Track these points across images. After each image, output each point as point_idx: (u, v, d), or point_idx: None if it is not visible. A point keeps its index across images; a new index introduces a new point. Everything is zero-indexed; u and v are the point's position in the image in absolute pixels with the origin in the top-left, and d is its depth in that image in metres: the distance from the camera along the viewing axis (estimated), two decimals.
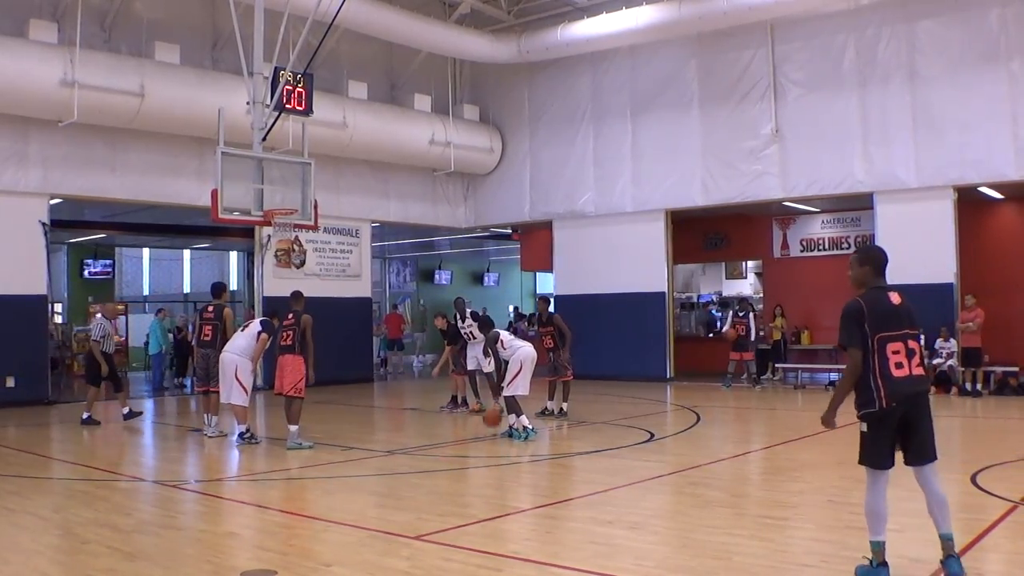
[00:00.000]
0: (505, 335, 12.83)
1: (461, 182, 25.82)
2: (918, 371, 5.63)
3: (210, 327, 13.24)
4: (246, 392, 12.34)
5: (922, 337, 5.87)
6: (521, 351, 12.57)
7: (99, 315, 15.31)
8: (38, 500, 8.84)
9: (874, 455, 5.63)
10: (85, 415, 14.75)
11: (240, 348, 12.35)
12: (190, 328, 14.39)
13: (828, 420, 5.87)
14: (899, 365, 5.57)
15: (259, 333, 12.30)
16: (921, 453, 5.60)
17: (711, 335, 25.42)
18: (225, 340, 13.05)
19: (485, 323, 13.39)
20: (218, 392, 13.04)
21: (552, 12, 22.77)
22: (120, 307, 15.22)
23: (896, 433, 5.61)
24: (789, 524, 7.46)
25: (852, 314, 5.66)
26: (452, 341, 16.27)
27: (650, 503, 8.53)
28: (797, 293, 22.99)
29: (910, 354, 5.61)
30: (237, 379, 12.25)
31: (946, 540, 5.48)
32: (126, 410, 15.19)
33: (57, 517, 8.04)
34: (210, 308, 13.48)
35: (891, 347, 5.57)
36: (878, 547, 5.51)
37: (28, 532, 7.43)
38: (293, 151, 15.91)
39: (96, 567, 6.24)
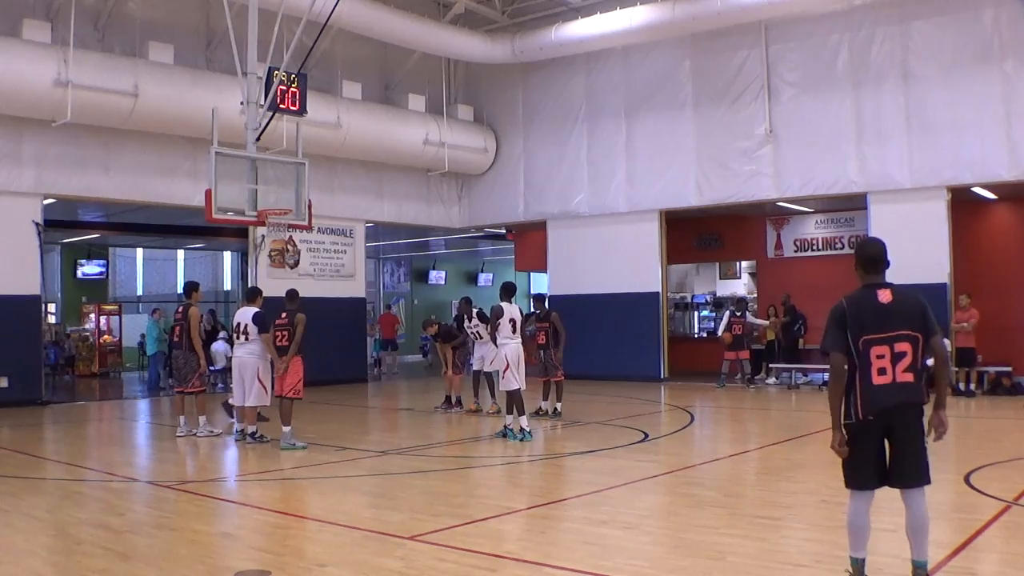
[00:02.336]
0: (506, 321, 12.50)
1: (455, 182, 25.81)
2: (904, 377, 5.11)
3: (179, 328, 13.23)
4: (267, 392, 12.34)
5: (919, 339, 5.17)
6: (507, 347, 12.54)
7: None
8: (32, 501, 8.81)
9: (853, 474, 5.26)
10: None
11: (257, 350, 12.31)
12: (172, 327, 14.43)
13: (835, 443, 5.26)
14: (882, 371, 5.10)
15: (260, 335, 12.26)
16: (904, 474, 5.17)
17: (707, 335, 25.45)
18: (191, 341, 13.03)
19: (506, 290, 13.09)
20: (193, 393, 13.04)
21: (546, 12, 22.78)
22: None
23: (880, 449, 5.19)
24: (783, 524, 7.47)
25: (832, 316, 5.27)
26: (446, 340, 16.29)
27: (644, 503, 8.54)
28: (791, 293, 22.99)
29: (896, 358, 5.10)
30: (259, 380, 12.23)
31: (918, 568, 5.18)
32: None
33: (51, 518, 8.03)
34: (180, 309, 13.47)
35: (875, 351, 5.11)
36: (857, 564, 5.29)
37: (22, 533, 7.42)
38: (287, 151, 15.92)
39: (90, 567, 6.23)
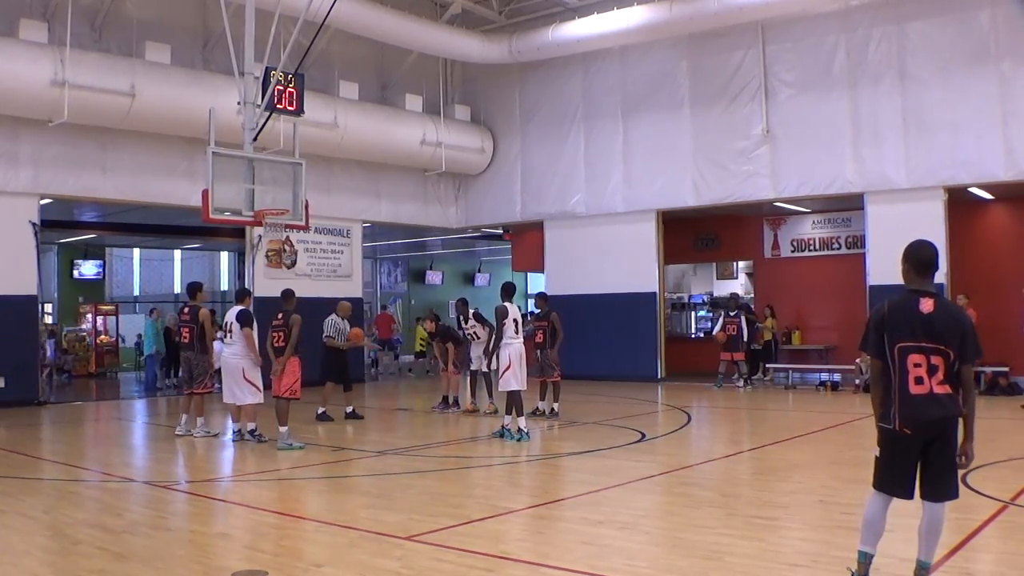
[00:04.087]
0: (511, 321, 12.51)
1: (452, 182, 25.81)
2: (941, 389, 5.08)
3: (188, 329, 13.17)
4: (259, 390, 12.33)
5: (951, 356, 5.11)
6: (511, 347, 12.54)
7: (333, 315, 15.23)
8: (28, 501, 8.80)
9: (883, 479, 5.27)
10: (320, 410, 14.80)
11: (240, 350, 12.29)
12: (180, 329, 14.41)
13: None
14: (919, 380, 5.08)
15: (241, 330, 12.25)
16: (939, 489, 5.18)
17: (704, 335, 25.44)
18: (204, 341, 13.02)
19: (506, 290, 13.08)
20: (201, 394, 13.02)
21: (543, 12, 22.79)
22: (349, 306, 15.29)
23: (916, 463, 5.19)
24: (779, 524, 7.48)
25: (872, 317, 5.31)
26: (443, 339, 16.30)
27: (641, 503, 8.54)
28: (788, 293, 23.04)
29: (932, 370, 5.07)
30: (247, 380, 12.22)
31: (922, 568, 5.25)
32: (349, 408, 15.10)
33: (47, 518, 8.02)
34: (186, 310, 13.43)
35: (912, 359, 5.10)
36: (864, 559, 5.29)
37: (18, 533, 7.40)
38: (284, 151, 15.87)
39: (87, 568, 6.23)
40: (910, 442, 5.14)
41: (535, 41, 22.15)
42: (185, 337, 13.21)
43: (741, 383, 19.97)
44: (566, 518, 7.91)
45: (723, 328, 20.10)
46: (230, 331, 12.37)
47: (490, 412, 15.21)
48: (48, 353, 25.55)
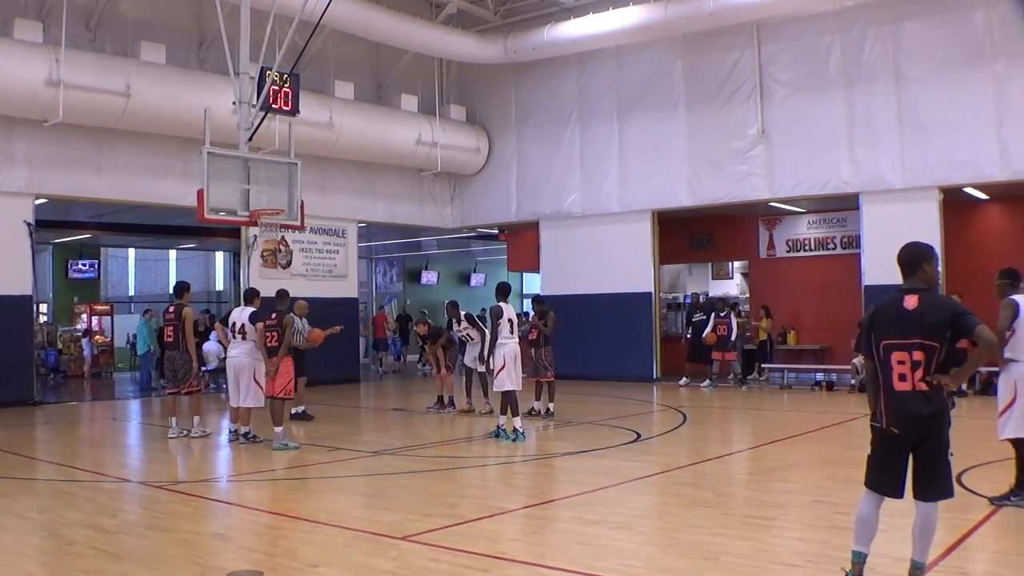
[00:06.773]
0: (506, 321, 12.51)
1: (448, 182, 25.81)
2: (921, 386, 5.11)
3: (172, 328, 13.11)
4: (262, 394, 12.31)
5: (936, 349, 5.13)
6: (506, 347, 12.54)
7: (291, 315, 15.20)
8: (23, 501, 8.79)
9: (873, 476, 5.33)
10: (299, 409, 14.73)
11: (250, 350, 12.26)
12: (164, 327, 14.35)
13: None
14: (902, 377, 5.14)
15: (255, 325, 12.22)
16: (931, 489, 5.19)
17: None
18: (185, 340, 12.96)
19: (501, 290, 13.05)
20: (190, 393, 12.97)
21: (539, 12, 22.78)
22: (306, 305, 15.10)
23: (905, 461, 5.23)
24: (775, 524, 7.49)
25: (864, 319, 5.43)
26: (434, 341, 16.31)
27: (637, 503, 8.54)
28: (783, 293, 23.05)
29: (915, 366, 5.11)
30: (256, 382, 12.18)
31: (916, 568, 5.27)
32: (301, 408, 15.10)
33: (42, 518, 8.01)
34: (171, 308, 13.34)
35: (896, 356, 5.17)
36: (858, 558, 5.30)
37: (13, 534, 7.39)
38: (279, 151, 15.87)
39: (82, 568, 6.22)
40: (899, 441, 5.19)
41: (531, 41, 22.15)
42: (170, 336, 13.16)
43: (726, 381, 20.07)
44: (562, 518, 7.92)
45: (714, 329, 20.14)
46: (241, 331, 12.32)
47: (485, 412, 15.21)
48: (85, 351, 25.84)
